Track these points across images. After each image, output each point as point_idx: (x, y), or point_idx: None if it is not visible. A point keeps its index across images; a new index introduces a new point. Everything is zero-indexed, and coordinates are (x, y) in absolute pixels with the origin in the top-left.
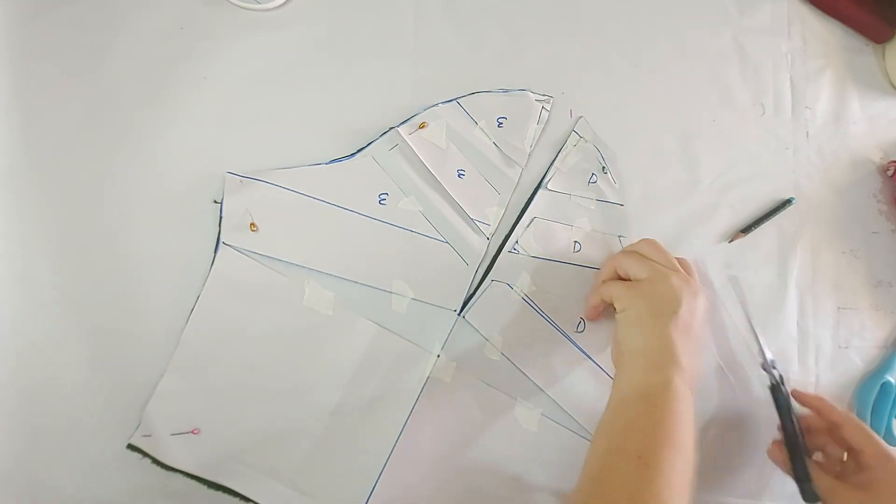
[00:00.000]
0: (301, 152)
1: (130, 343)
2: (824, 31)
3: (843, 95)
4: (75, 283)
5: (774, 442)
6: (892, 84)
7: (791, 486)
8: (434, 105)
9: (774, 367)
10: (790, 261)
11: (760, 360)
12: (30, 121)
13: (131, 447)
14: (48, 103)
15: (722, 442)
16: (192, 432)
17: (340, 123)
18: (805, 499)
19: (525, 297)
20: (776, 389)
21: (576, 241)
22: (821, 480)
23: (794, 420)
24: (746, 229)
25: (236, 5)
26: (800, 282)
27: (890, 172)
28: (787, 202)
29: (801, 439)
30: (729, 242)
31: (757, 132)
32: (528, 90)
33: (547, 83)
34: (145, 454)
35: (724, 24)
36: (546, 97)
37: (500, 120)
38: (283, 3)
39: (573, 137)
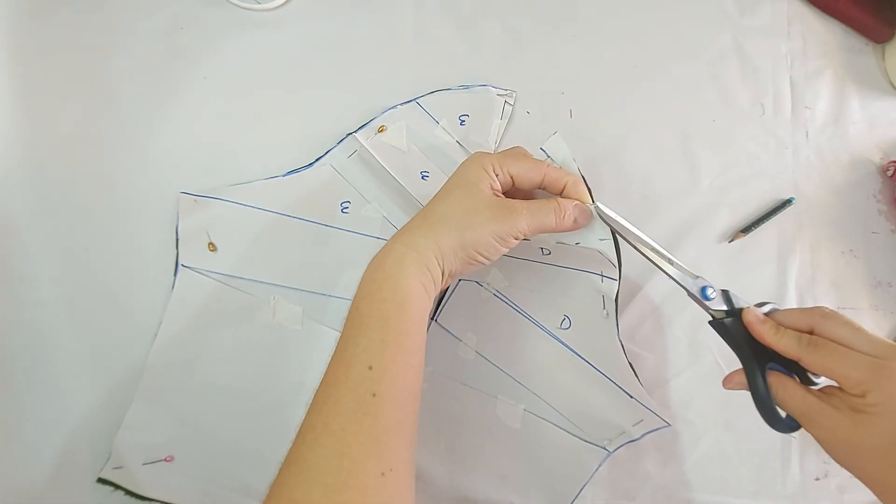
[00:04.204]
0: (301, 152)
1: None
2: (824, 31)
3: (842, 95)
4: (73, 285)
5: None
6: (892, 84)
7: (792, 485)
8: (393, 107)
9: (707, 294)
10: (790, 261)
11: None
12: (30, 121)
13: (102, 481)
14: (48, 103)
15: (721, 442)
16: (166, 460)
17: (341, 124)
18: (771, 425)
19: (497, 293)
20: (720, 326)
21: (542, 248)
22: (793, 399)
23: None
24: (746, 229)
25: (236, 5)
26: (799, 282)
27: (890, 172)
28: (787, 202)
29: (756, 360)
30: (729, 242)
31: (757, 132)
32: (489, 85)
33: (547, 83)
34: (117, 486)
35: (724, 24)
36: (508, 91)
37: (462, 117)
38: (283, 3)
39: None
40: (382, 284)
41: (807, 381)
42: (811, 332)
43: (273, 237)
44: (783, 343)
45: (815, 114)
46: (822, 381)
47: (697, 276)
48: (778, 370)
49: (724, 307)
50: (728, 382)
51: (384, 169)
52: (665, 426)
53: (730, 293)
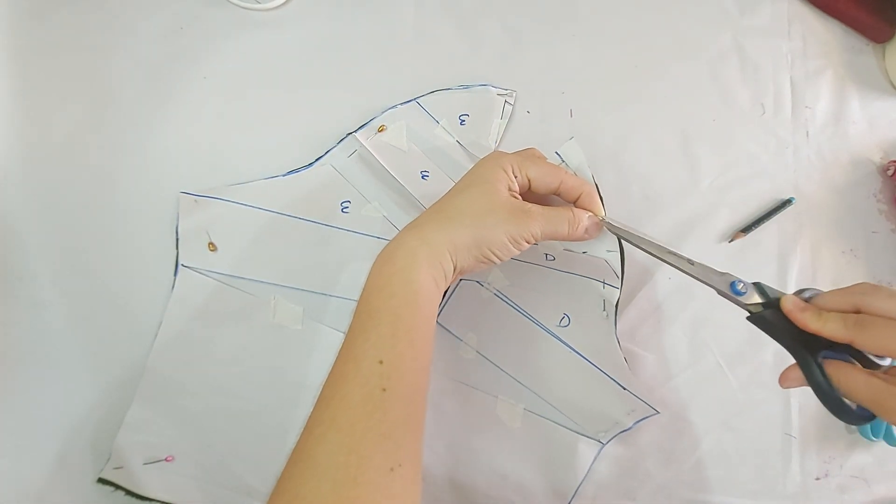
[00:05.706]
0: (301, 152)
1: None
2: (824, 31)
3: (843, 95)
4: (72, 285)
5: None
6: (892, 84)
7: (792, 485)
8: (393, 107)
9: (738, 289)
10: (790, 260)
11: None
12: (30, 121)
13: (102, 481)
14: (48, 103)
15: (721, 442)
16: (166, 460)
17: (341, 124)
18: (841, 418)
19: (497, 293)
20: (760, 319)
21: (547, 254)
22: (857, 387)
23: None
24: (746, 229)
25: (236, 5)
26: (800, 281)
27: (890, 172)
28: (787, 202)
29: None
30: (729, 242)
31: (757, 132)
32: (490, 84)
33: (547, 83)
34: (118, 486)
35: (724, 24)
36: (508, 91)
37: (462, 117)
38: (283, 3)
39: (554, 161)
40: (392, 279)
41: (870, 365)
42: (857, 312)
43: (273, 237)
44: (829, 328)
45: (816, 113)
46: (888, 362)
47: (724, 273)
48: (835, 357)
49: (760, 300)
50: (784, 381)
51: (384, 168)
52: (654, 414)
53: (762, 284)
